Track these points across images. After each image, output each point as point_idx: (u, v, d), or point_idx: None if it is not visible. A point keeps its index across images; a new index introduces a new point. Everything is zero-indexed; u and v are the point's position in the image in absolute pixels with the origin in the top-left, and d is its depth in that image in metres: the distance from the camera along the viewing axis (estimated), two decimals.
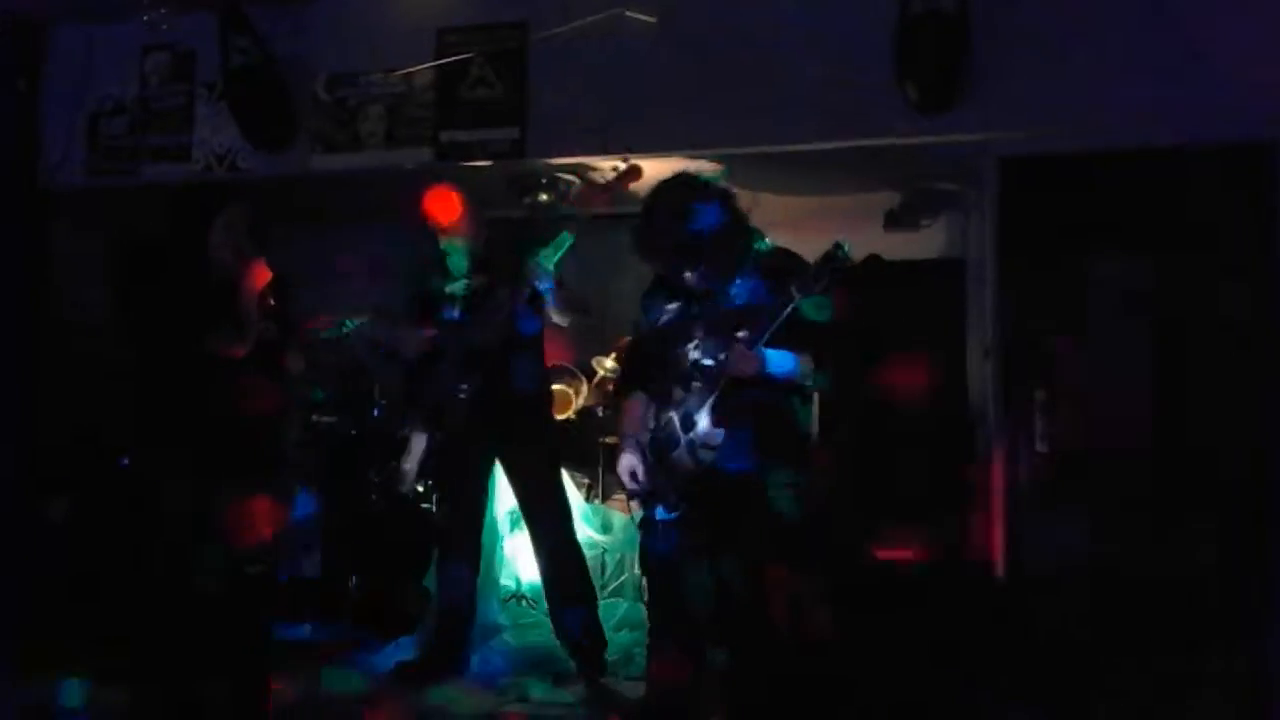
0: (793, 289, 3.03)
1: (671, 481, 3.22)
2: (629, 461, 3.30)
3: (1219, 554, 3.99)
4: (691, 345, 3.24)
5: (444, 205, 4.17)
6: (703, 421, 3.16)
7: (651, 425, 3.30)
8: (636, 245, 3.31)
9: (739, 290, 3.25)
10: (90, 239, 5.60)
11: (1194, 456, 4.07)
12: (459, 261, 4.25)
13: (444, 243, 4.23)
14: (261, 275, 3.59)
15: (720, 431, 3.14)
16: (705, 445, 3.15)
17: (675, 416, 3.22)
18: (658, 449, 3.25)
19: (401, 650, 4.48)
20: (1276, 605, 3.88)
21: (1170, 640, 3.97)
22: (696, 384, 3.19)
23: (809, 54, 4.36)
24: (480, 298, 4.16)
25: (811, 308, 3.05)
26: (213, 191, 3.77)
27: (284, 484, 3.66)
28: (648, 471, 3.27)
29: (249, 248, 3.56)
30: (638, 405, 3.38)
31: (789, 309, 3.05)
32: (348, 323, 5.09)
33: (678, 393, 3.22)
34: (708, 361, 3.17)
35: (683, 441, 3.19)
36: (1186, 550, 4.03)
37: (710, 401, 3.15)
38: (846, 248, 3.02)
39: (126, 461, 4.84)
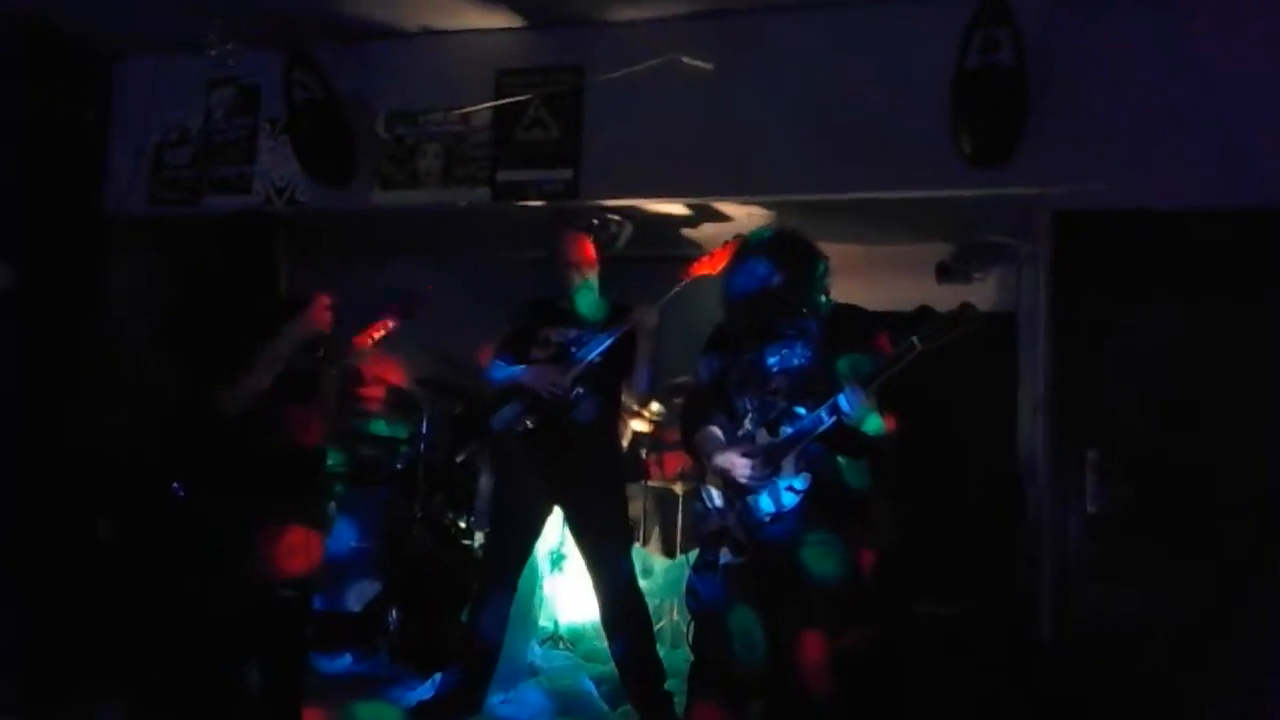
0: (915, 340, 2.95)
1: (744, 525, 3.19)
2: (741, 461, 3.16)
3: (1274, 620, 3.90)
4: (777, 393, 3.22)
5: (583, 250, 4.24)
6: (788, 467, 3.13)
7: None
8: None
9: (802, 349, 3.23)
10: (150, 267, 5.69)
11: (1250, 518, 3.98)
12: (588, 300, 4.28)
13: (579, 283, 4.24)
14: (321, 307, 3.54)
15: (807, 475, 3.11)
16: (791, 489, 3.12)
17: (758, 460, 3.16)
18: (734, 491, 3.23)
19: (428, 689, 4.46)
20: None
21: (1220, 706, 3.88)
22: (786, 428, 3.15)
23: (864, 104, 4.39)
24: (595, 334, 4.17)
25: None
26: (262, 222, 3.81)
27: (323, 515, 3.65)
28: (727, 502, 3.23)
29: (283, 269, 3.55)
30: (713, 435, 3.32)
31: (906, 360, 2.96)
32: None
33: (762, 435, 3.20)
34: (800, 409, 3.12)
35: (763, 486, 3.16)
36: (1240, 615, 3.93)
37: (797, 450, 3.11)
38: (978, 308, 2.98)
39: (179, 488, 4.88)
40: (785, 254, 3.25)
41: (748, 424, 3.22)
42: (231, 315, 3.39)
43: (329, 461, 3.61)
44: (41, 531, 4.91)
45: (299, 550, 3.38)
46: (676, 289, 4.04)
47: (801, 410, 3.12)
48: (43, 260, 5.02)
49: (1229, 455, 4.03)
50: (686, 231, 5.25)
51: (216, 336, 3.37)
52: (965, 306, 3.00)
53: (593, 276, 4.27)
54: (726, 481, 3.23)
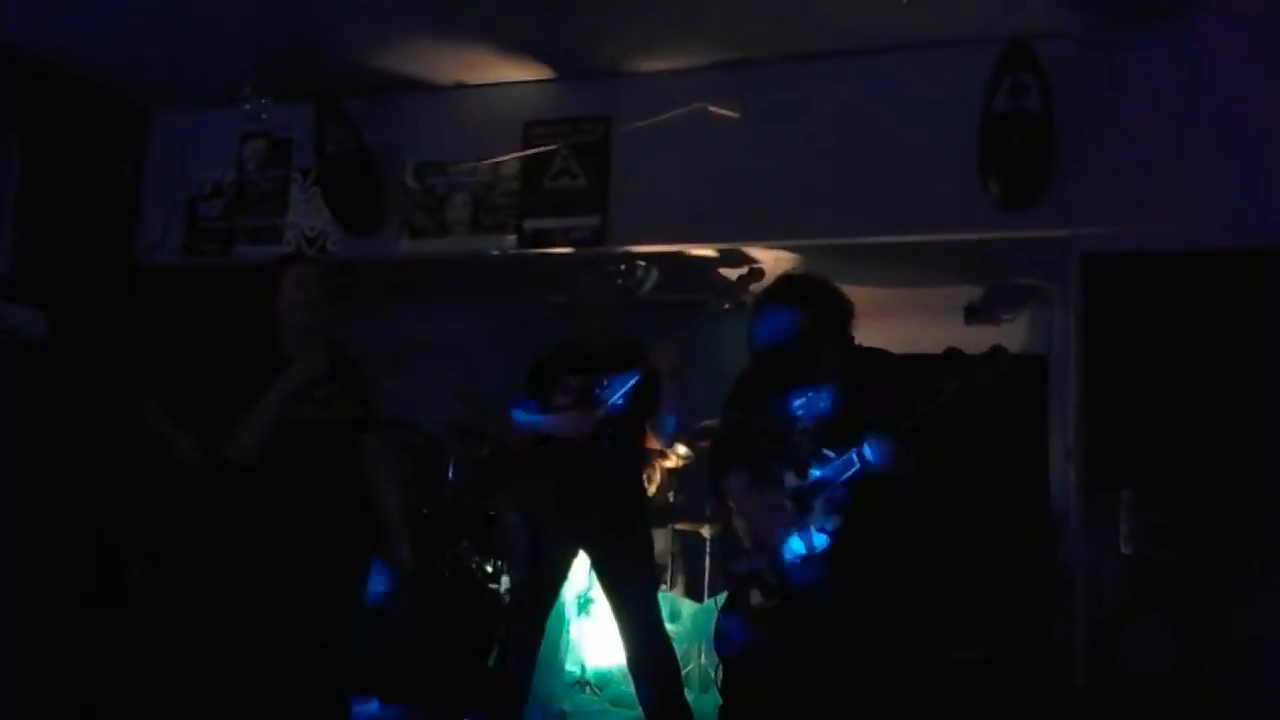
0: (945, 385, 2.95)
1: (775, 568, 3.18)
2: (770, 501, 3.20)
3: None
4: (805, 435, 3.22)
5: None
6: (818, 510, 3.12)
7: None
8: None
9: (828, 394, 3.24)
10: (182, 316, 5.76)
11: None
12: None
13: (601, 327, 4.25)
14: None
15: (839, 518, 3.10)
16: (822, 530, 3.11)
17: (787, 503, 3.17)
18: (759, 538, 3.22)
19: None
20: None
21: None
22: (814, 471, 3.14)
23: (891, 149, 4.42)
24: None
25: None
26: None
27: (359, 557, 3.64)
28: (756, 546, 3.22)
29: (323, 302, 3.58)
30: (742, 476, 3.34)
31: (936, 405, 2.95)
32: None
33: (790, 478, 3.20)
34: (829, 452, 3.12)
35: (794, 528, 3.16)
36: (1277, 659, 3.87)
37: (826, 494, 3.11)
38: (1007, 350, 2.99)
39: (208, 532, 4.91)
40: (808, 299, 3.27)
41: (776, 467, 3.22)
42: (236, 367, 3.44)
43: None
44: (74, 579, 4.94)
45: (333, 593, 3.38)
46: (696, 326, 4.04)
47: (830, 453, 3.13)
48: (77, 309, 5.08)
49: (1262, 496, 3.99)
50: (713, 275, 5.27)
51: (218, 390, 3.42)
52: (995, 350, 3.00)
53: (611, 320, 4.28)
54: (753, 529, 3.23)
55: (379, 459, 3.64)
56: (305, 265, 3.62)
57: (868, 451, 3.00)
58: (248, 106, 4.83)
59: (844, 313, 3.30)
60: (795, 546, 3.14)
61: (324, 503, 3.42)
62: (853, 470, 3.06)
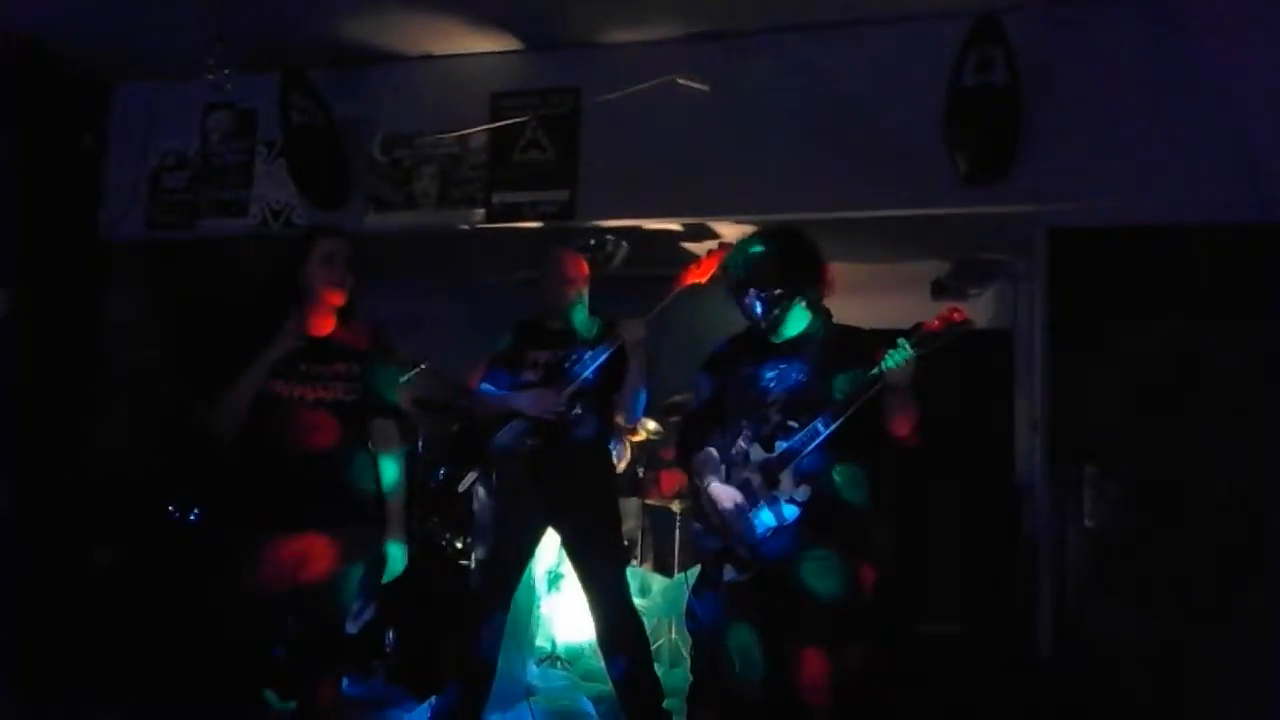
0: (904, 341, 3.05)
1: (746, 541, 3.19)
2: (728, 491, 3.24)
3: (1273, 632, 3.89)
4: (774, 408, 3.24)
5: (577, 268, 4.24)
6: (786, 481, 3.15)
7: (723, 477, 3.28)
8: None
9: (801, 366, 3.25)
10: (147, 290, 5.70)
11: (1247, 532, 3.98)
12: (584, 317, 4.28)
13: (573, 301, 4.24)
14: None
15: (806, 489, 3.13)
16: (791, 501, 3.14)
17: (754, 476, 3.20)
18: (721, 520, 3.23)
19: (424, 710, 4.44)
20: None
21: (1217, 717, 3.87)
22: (780, 443, 3.17)
23: (859, 123, 4.42)
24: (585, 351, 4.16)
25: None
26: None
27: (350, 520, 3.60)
28: (732, 516, 3.24)
29: (351, 274, 3.56)
30: (709, 458, 3.35)
31: (905, 356, 3.04)
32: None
33: (756, 451, 3.21)
34: (794, 424, 3.16)
35: (763, 500, 3.17)
36: (1239, 629, 3.93)
37: (794, 465, 3.14)
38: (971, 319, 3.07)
39: (175, 511, 4.88)
40: (786, 240, 3.37)
41: (742, 441, 3.24)
42: (238, 336, 3.42)
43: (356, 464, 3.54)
44: (41, 558, 4.89)
45: (316, 559, 3.34)
46: (665, 302, 4.03)
47: (795, 424, 3.14)
48: (41, 285, 5.02)
49: (1226, 470, 4.04)
50: (683, 249, 5.26)
51: (218, 358, 3.40)
52: (952, 310, 3.07)
53: (584, 294, 4.28)
54: (715, 511, 3.25)
55: (383, 445, 3.58)
56: (333, 239, 3.59)
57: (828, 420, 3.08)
58: (211, 77, 4.72)
59: (817, 256, 3.36)
60: (765, 519, 3.16)
61: (312, 481, 3.39)
62: (820, 439, 3.09)
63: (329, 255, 3.51)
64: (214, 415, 3.37)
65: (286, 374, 3.40)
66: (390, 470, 3.57)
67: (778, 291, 3.27)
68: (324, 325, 3.51)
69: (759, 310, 3.30)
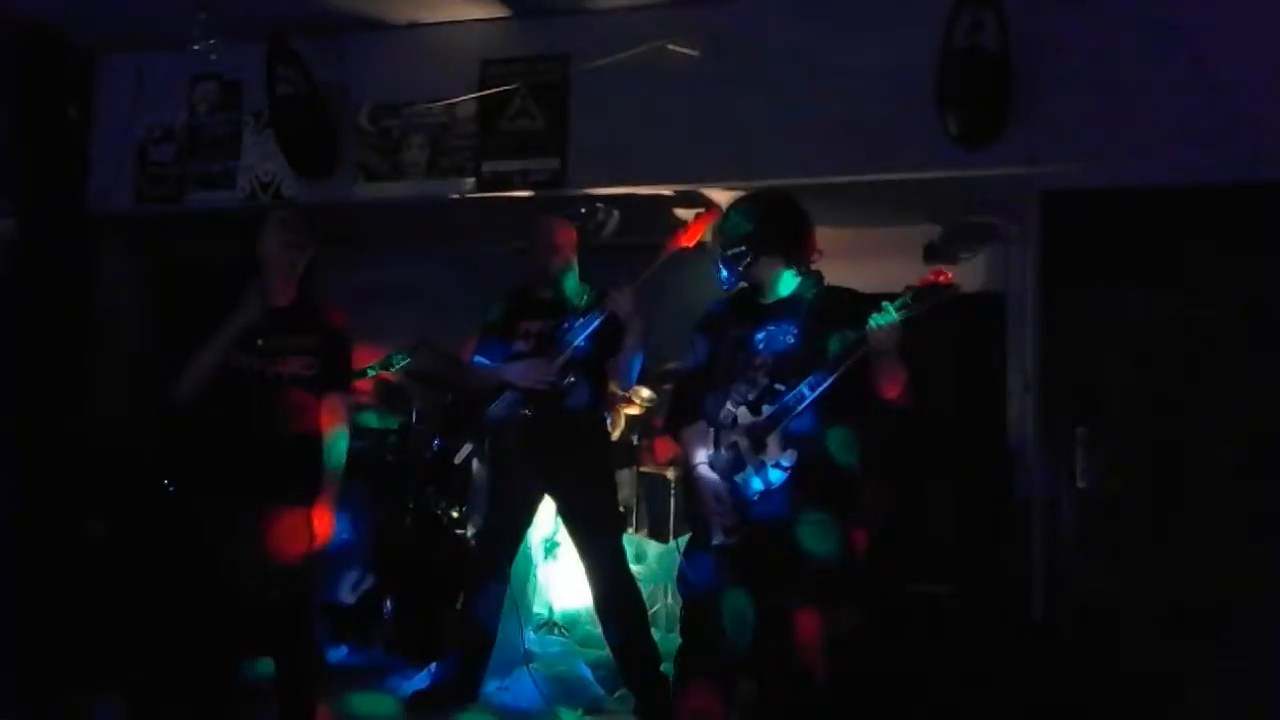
0: (888, 305, 3.01)
1: (735, 505, 3.20)
2: (716, 486, 3.26)
3: (1271, 591, 3.92)
4: (761, 369, 3.24)
5: (566, 236, 4.25)
6: (773, 445, 3.16)
7: (711, 450, 3.29)
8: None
9: (791, 329, 3.25)
10: (135, 263, 5.68)
11: (1240, 493, 4.01)
12: (574, 285, 4.27)
13: (563, 269, 4.25)
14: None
15: (793, 453, 3.14)
16: (778, 465, 3.15)
17: (742, 440, 3.21)
18: (722, 473, 3.25)
19: (423, 678, 4.47)
20: None
21: (1213, 681, 3.90)
22: (767, 407, 3.17)
23: (850, 87, 4.40)
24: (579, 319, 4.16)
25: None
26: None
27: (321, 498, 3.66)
28: (715, 508, 3.25)
29: (309, 244, 3.65)
30: (699, 432, 3.37)
31: (889, 319, 3.01)
32: (395, 358, 5.23)
33: (744, 414, 3.22)
34: (780, 387, 3.16)
35: (750, 465, 3.19)
36: (1231, 589, 3.96)
37: (781, 428, 3.14)
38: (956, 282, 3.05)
39: (170, 484, 4.88)
40: (765, 203, 3.35)
41: (730, 404, 3.24)
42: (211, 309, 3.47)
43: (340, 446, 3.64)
44: (34, 531, 4.89)
45: (293, 536, 3.39)
46: (654, 268, 4.02)
47: (782, 388, 3.15)
48: (28, 258, 4.99)
49: (1218, 431, 4.06)
50: (674, 217, 5.24)
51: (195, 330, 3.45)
52: (938, 273, 3.05)
53: (574, 262, 4.27)
54: (701, 487, 3.27)
55: (331, 420, 3.63)
56: (287, 209, 3.76)
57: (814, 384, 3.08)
58: (196, 48, 4.70)
59: (800, 221, 3.35)
60: (754, 483, 3.17)
61: (267, 452, 3.47)
62: (806, 402, 3.10)
63: (281, 223, 3.63)
64: (175, 383, 3.48)
65: (249, 347, 3.49)
66: (335, 446, 3.63)
67: (734, 252, 3.26)
68: (284, 295, 3.60)
69: (724, 274, 3.31)
